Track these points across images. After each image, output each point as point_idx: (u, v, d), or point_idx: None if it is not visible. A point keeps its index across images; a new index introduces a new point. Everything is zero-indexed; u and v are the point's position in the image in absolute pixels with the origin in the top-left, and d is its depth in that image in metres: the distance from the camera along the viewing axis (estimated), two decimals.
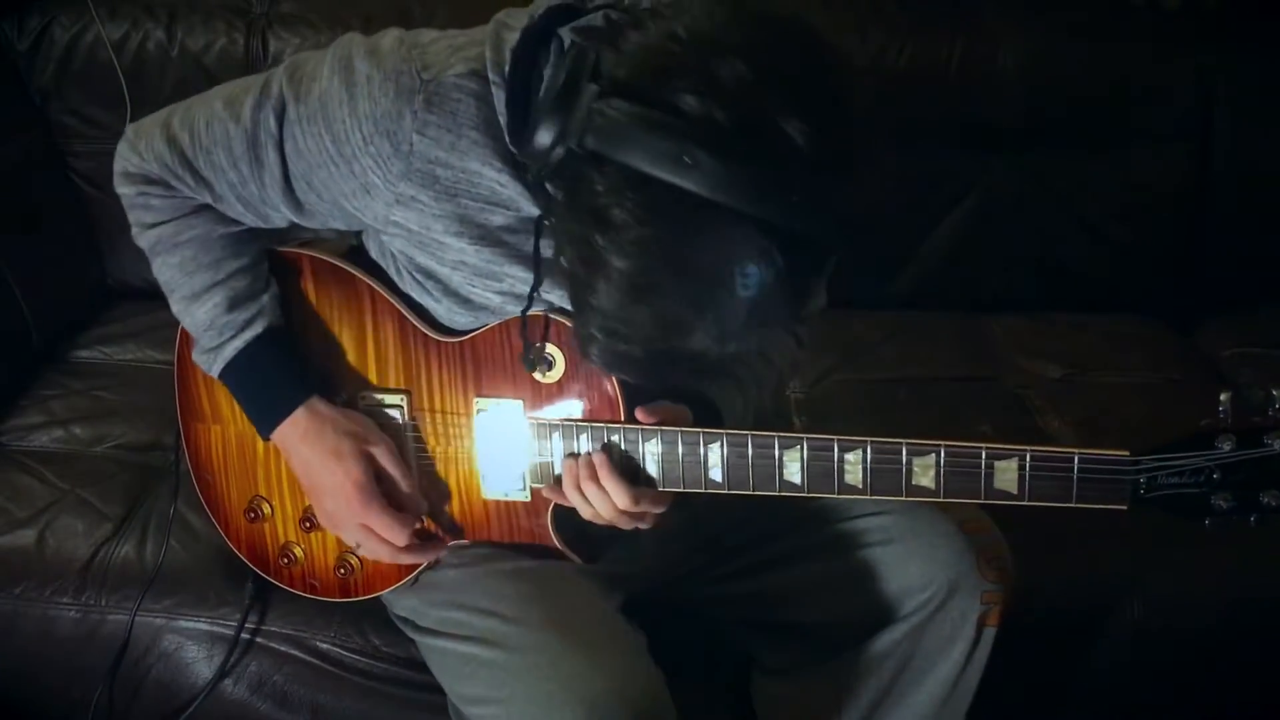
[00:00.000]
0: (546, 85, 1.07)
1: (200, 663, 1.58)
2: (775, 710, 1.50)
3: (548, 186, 1.08)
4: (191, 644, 1.58)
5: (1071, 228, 2.26)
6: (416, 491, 1.36)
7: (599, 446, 1.26)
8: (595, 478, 1.24)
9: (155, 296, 2.13)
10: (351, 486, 1.30)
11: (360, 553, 1.38)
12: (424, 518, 1.38)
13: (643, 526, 1.28)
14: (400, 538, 1.32)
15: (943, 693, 1.38)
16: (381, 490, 1.33)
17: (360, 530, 1.32)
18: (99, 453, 1.81)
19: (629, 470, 1.25)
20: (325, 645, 1.57)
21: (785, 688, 1.48)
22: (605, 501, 1.24)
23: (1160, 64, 2.20)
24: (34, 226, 2.06)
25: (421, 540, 1.37)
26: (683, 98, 0.93)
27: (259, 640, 1.58)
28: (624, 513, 1.25)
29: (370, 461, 1.32)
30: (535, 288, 1.21)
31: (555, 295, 1.24)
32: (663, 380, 1.25)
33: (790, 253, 0.95)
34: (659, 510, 1.27)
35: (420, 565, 1.39)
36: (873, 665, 1.39)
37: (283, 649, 1.58)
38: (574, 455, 1.27)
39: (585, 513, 1.27)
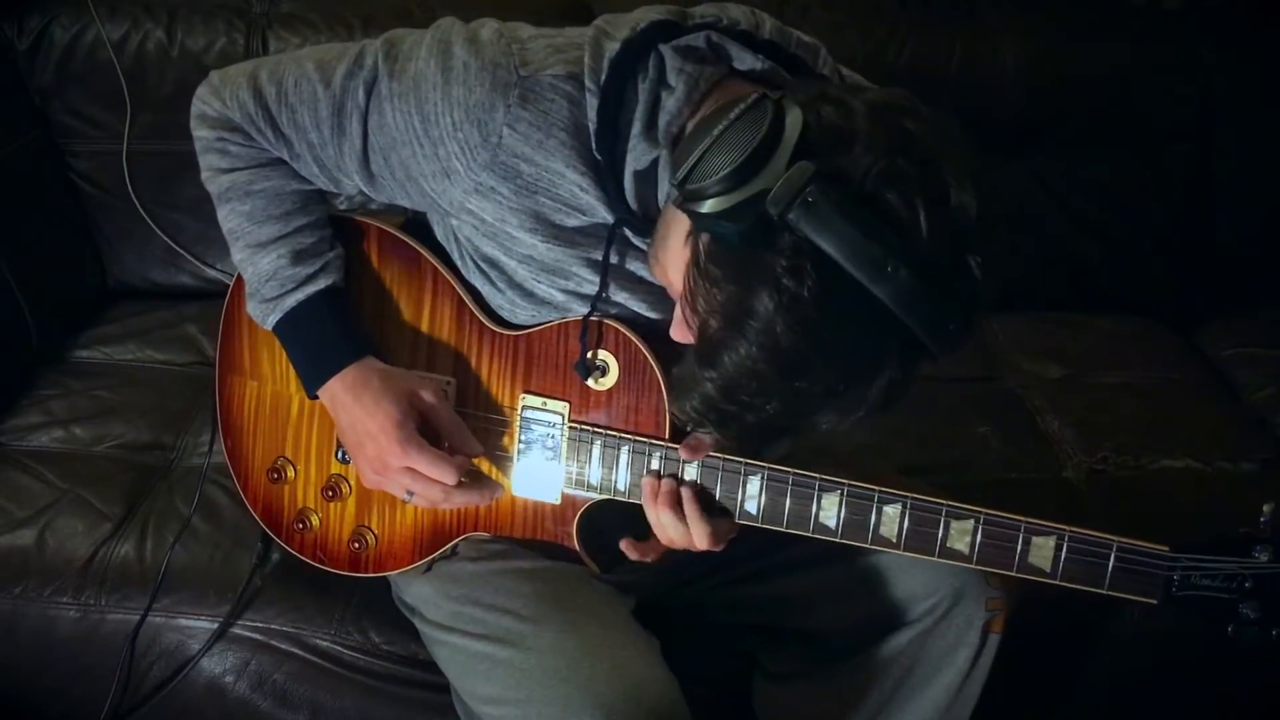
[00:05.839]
0: (729, 128, 0.97)
1: (201, 661, 1.57)
2: (777, 716, 1.49)
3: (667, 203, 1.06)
4: (192, 642, 1.57)
5: (1071, 228, 2.26)
6: (468, 434, 1.32)
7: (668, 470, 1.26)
8: (677, 505, 1.25)
9: (155, 296, 2.18)
10: (392, 425, 1.26)
11: (415, 502, 1.33)
12: (479, 459, 1.34)
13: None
14: (448, 476, 1.27)
15: (947, 699, 1.37)
16: (429, 435, 1.29)
17: (406, 474, 1.28)
18: (99, 453, 1.80)
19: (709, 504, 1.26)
20: (325, 643, 1.57)
21: (788, 693, 1.48)
22: (681, 530, 1.25)
23: (1160, 64, 2.20)
24: (34, 227, 2.06)
25: (475, 482, 1.33)
26: (892, 202, 0.92)
27: (259, 638, 1.57)
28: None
29: (413, 401, 1.29)
30: (600, 293, 1.21)
31: (621, 298, 1.24)
32: (746, 444, 1.23)
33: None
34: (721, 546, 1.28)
35: (440, 551, 1.38)
36: (877, 671, 1.39)
37: (283, 647, 1.57)
38: (657, 475, 1.27)
39: (667, 535, 1.27)
